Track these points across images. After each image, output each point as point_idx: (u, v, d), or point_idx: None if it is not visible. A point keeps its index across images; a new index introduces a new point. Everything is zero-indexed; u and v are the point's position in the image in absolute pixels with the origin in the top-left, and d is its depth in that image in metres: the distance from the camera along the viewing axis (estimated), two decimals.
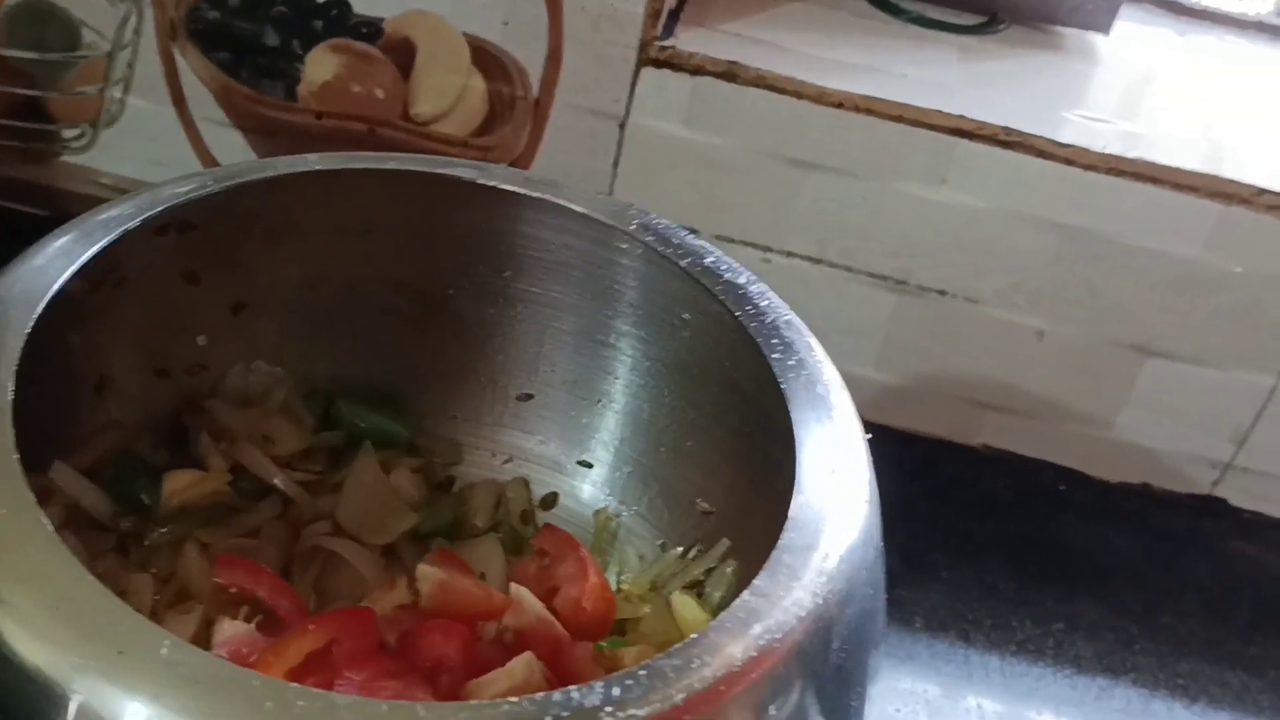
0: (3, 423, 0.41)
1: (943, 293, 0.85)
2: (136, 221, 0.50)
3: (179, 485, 0.57)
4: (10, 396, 0.42)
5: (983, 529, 0.87)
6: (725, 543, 0.59)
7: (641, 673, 0.38)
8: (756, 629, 0.40)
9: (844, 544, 0.44)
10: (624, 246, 0.59)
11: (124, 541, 0.56)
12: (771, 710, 0.41)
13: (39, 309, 0.45)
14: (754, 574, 0.57)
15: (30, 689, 0.36)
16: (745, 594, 0.41)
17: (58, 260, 0.48)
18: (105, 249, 0.49)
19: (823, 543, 0.44)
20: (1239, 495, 0.91)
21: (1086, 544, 0.88)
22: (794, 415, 0.49)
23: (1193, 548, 0.89)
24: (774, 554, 0.43)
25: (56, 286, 0.47)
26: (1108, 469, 0.91)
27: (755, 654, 0.40)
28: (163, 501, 0.57)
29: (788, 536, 0.44)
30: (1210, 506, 0.92)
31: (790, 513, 0.45)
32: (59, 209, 0.91)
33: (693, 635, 0.40)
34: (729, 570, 0.59)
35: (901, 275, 0.85)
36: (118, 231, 0.49)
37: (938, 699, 0.74)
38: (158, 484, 0.58)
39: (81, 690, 0.36)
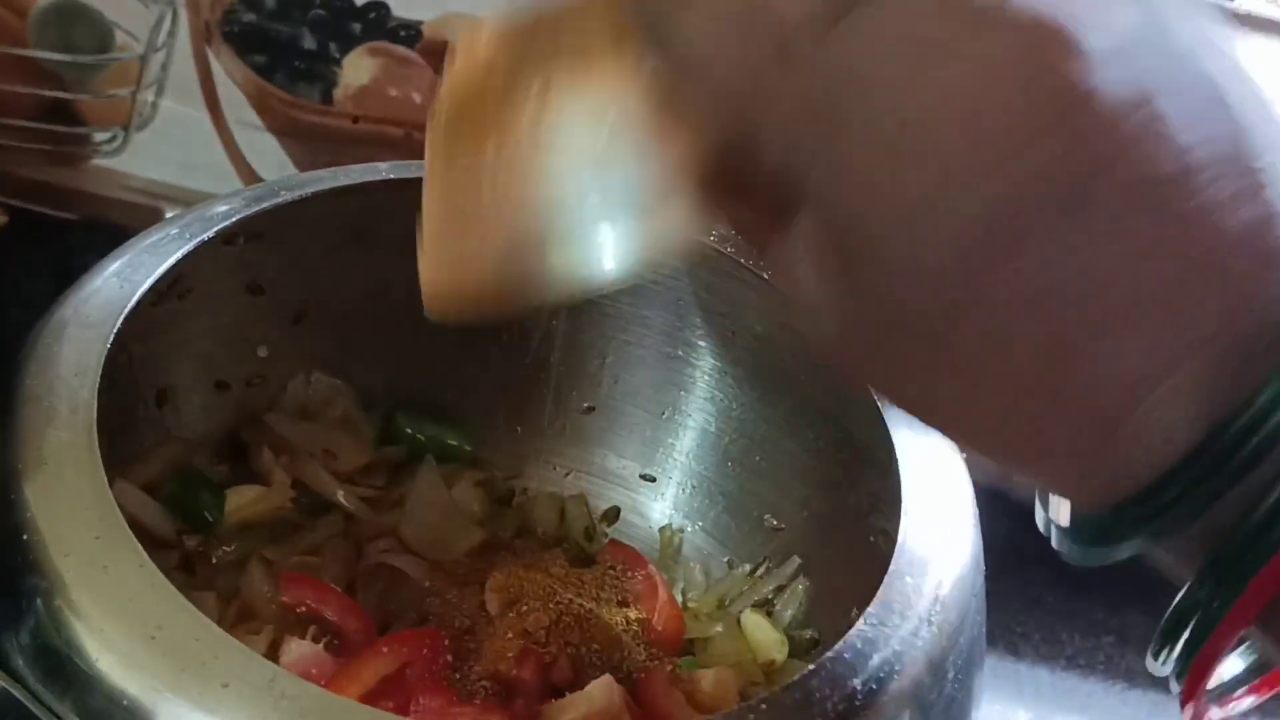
0: (90, 441, 0.39)
1: None
2: (211, 232, 0.48)
3: (242, 501, 0.56)
4: (94, 415, 0.40)
5: (1028, 541, 0.85)
6: (796, 560, 0.58)
7: (763, 706, 0.37)
8: (875, 660, 0.39)
9: (955, 570, 0.43)
10: (699, 258, 0.57)
11: (188, 560, 0.54)
12: None
13: (119, 322, 0.44)
14: (827, 592, 0.56)
15: None
16: (861, 623, 0.40)
17: (132, 272, 0.46)
18: (178, 260, 0.47)
19: (933, 569, 0.43)
20: None
21: (1132, 556, 0.86)
22: (893, 432, 0.47)
23: None
24: (886, 580, 0.41)
25: (135, 300, 0.45)
26: None
27: (875, 687, 0.39)
28: (226, 518, 0.55)
29: (898, 562, 0.42)
30: None
31: (899, 537, 0.43)
32: (89, 213, 0.90)
33: (809, 667, 0.39)
34: (800, 588, 0.58)
35: None
36: (193, 242, 0.48)
37: (989, 714, 0.73)
38: (219, 499, 0.56)
39: None
